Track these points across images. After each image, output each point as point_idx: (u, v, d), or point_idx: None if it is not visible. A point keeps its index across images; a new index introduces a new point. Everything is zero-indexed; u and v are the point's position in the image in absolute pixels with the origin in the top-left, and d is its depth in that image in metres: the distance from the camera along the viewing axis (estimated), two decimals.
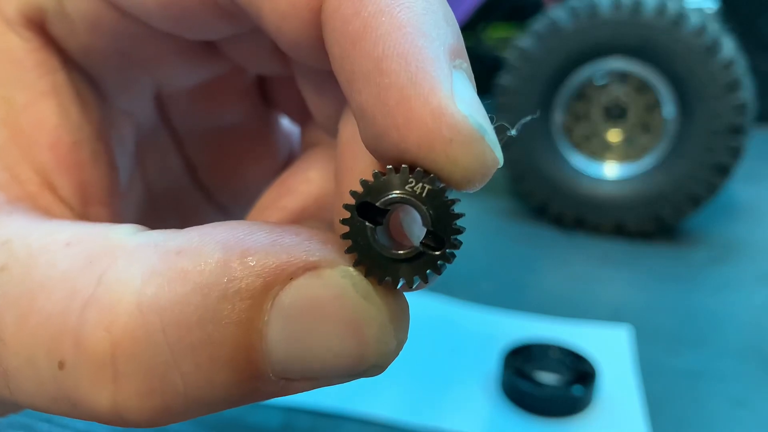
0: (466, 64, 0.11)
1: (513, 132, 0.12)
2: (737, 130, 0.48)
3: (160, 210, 0.19)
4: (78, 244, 0.11)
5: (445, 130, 0.10)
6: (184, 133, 0.19)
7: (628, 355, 0.34)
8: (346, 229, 0.11)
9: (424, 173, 0.10)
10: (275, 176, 0.18)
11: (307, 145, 0.18)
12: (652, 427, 0.28)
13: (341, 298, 0.10)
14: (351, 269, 0.11)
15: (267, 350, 0.10)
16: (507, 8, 0.82)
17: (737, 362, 0.34)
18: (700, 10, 0.49)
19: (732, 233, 0.54)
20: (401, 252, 0.10)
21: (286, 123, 0.21)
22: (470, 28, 0.81)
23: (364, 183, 0.11)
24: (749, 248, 0.51)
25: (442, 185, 0.10)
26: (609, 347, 0.35)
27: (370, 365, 0.11)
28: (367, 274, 0.11)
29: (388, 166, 0.10)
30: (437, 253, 0.10)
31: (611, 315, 0.39)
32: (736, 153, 0.49)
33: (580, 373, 0.30)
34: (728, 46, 0.48)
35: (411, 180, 0.10)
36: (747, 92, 0.48)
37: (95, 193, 0.15)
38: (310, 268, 0.11)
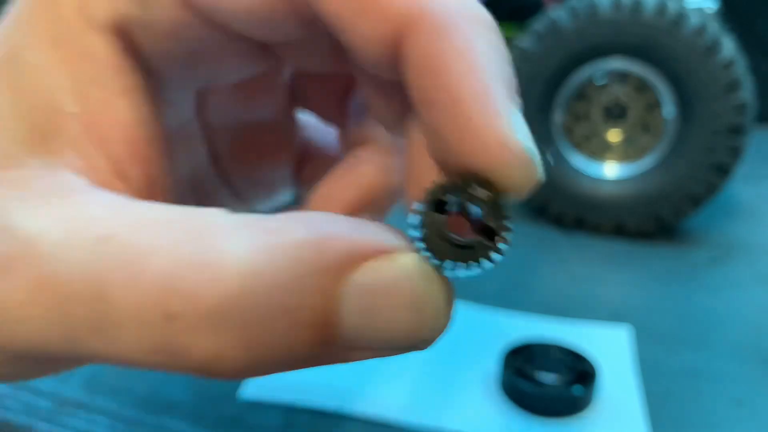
0: (519, 98, 0.14)
1: (553, 162, 0.16)
2: (737, 130, 0.48)
3: (180, 193, 0.21)
4: (178, 221, 0.13)
5: (507, 157, 0.13)
6: (215, 124, 0.21)
7: (628, 354, 0.34)
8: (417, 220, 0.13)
9: (485, 182, 0.13)
10: (289, 167, 0.21)
11: (351, 143, 0.20)
12: (652, 426, 0.28)
13: (409, 279, 0.13)
14: (418, 255, 0.13)
15: (342, 320, 0.12)
16: (507, 8, 0.82)
17: (737, 362, 0.34)
18: (700, 10, 0.49)
19: (732, 233, 0.54)
20: (464, 240, 0.13)
21: (300, 116, 0.22)
22: None
23: (437, 184, 0.13)
24: (750, 248, 0.51)
25: (498, 193, 0.13)
26: (609, 347, 0.35)
27: (424, 340, 0.13)
28: (432, 260, 0.13)
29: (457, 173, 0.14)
30: (493, 244, 0.13)
31: (611, 315, 0.39)
32: (736, 153, 0.49)
33: (581, 372, 0.30)
34: (728, 47, 0.48)
35: (474, 186, 0.13)
36: (747, 92, 0.48)
37: (158, 185, 0.16)
38: (385, 251, 0.13)
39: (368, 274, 0.12)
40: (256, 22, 0.15)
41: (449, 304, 0.13)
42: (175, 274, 0.12)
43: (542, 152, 0.16)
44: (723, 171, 0.49)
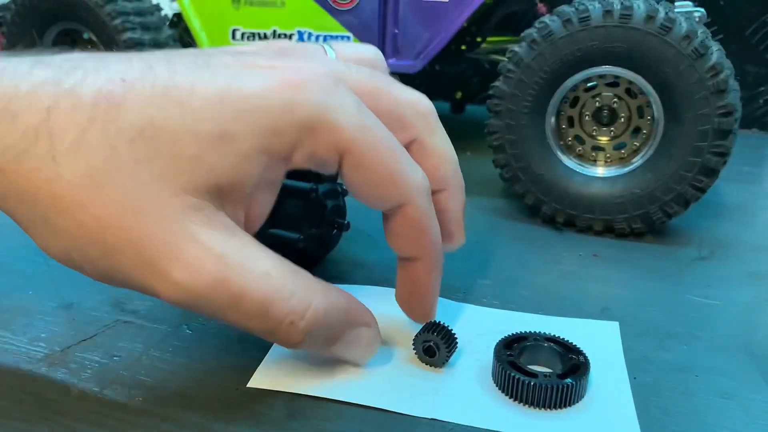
0: None
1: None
2: (725, 133, 0.49)
3: None
4: (299, 274, 0.27)
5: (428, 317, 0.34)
6: None
7: (619, 349, 0.35)
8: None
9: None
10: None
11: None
12: (642, 419, 0.29)
13: (373, 339, 0.31)
14: (375, 330, 0.31)
15: (340, 342, 0.29)
16: (502, 18, 0.83)
17: (725, 357, 0.35)
18: (689, 17, 0.51)
19: (720, 232, 0.55)
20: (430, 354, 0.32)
21: None
22: (468, 33, 0.82)
23: (424, 327, 0.33)
24: (736, 246, 0.52)
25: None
26: (601, 341, 0.36)
27: (365, 361, 0.31)
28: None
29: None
30: (446, 354, 0.32)
31: (602, 310, 0.40)
32: (723, 155, 0.50)
33: (573, 365, 0.31)
34: (716, 52, 0.49)
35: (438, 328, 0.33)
36: (734, 97, 0.49)
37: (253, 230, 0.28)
38: (367, 324, 0.30)
39: (360, 332, 0.29)
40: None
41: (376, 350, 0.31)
42: (294, 309, 0.25)
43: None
44: (711, 172, 0.50)
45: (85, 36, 0.87)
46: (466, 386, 0.31)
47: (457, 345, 0.32)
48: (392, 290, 0.40)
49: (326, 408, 0.28)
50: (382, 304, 0.39)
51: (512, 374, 0.29)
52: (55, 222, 0.23)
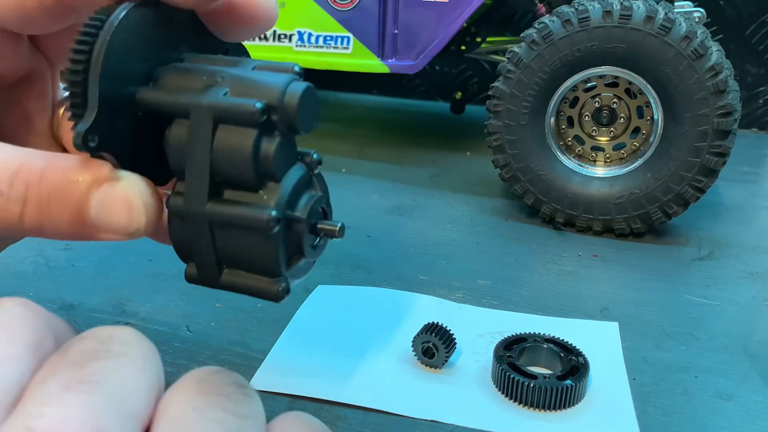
0: None
1: None
2: (724, 134, 0.49)
3: None
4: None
5: None
6: None
7: (618, 349, 0.35)
8: None
9: None
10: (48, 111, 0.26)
11: None
12: (642, 419, 0.29)
13: (124, 190, 0.20)
14: (136, 180, 0.20)
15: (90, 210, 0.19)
16: (501, 17, 0.83)
17: (724, 357, 0.35)
18: (688, 17, 0.51)
19: (719, 233, 0.55)
20: None
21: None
22: (468, 33, 0.82)
23: None
24: (735, 246, 0.52)
25: None
26: (600, 342, 0.36)
27: (136, 228, 0.20)
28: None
29: None
30: None
31: (602, 310, 0.40)
32: (722, 155, 0.50)
33: (572, 366, 0.31)
34: (716, 53, 0.49)
35: None
36: (734, 97, 0.49)
37: None
38: (113, 179, 0.19)
39: (104, 188, 0.19)
40: (20, 19, 0.20)
41: (150, 209, 0.20)
42: None
43: None
44: (710, 173, 0.50)
45: None
46: (466, 388, 0.31)
47: (456, 345, 0.32)
48: (392, 290, 0.41)
49: (327, 410, 0.28)
50: (381, 304, 0.39)
51: (512, 376, 0.30)
52: None
